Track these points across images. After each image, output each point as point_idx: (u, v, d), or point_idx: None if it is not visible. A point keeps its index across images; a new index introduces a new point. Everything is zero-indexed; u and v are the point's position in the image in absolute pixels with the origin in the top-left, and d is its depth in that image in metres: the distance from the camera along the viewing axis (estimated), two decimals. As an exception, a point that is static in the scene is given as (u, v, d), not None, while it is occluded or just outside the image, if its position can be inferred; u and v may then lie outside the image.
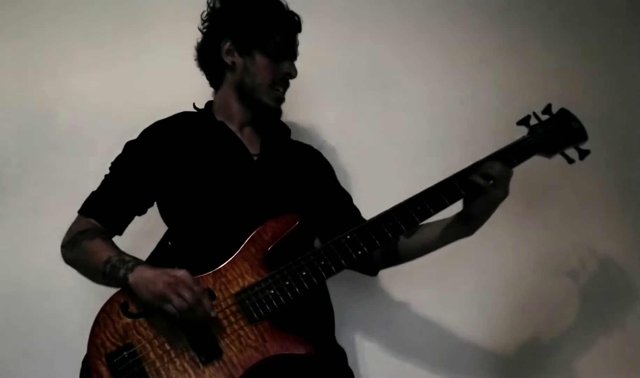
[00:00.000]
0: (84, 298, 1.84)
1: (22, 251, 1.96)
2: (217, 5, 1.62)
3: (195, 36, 1.67)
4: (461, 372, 1.95)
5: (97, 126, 2.02)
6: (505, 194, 1.43)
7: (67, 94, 2.04)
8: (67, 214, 1.55)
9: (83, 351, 1.31)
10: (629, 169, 2.08)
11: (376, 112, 2.08)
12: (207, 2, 1.64)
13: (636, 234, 2.02)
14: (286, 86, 1.63)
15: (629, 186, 2.07)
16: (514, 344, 1.95)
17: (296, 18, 1.63)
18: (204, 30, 1.65)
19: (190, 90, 1.70)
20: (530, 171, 1.52)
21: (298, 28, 1.64)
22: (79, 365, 1.34)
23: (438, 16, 2.13)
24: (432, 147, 2.04)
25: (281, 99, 1.62)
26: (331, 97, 2.06)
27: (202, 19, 1.65)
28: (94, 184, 1.57)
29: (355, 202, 1.71)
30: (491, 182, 1.41)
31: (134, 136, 1.60)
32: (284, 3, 1.63)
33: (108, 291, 1.40)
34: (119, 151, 1.59)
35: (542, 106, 1.57)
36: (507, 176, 1.42)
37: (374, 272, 1.66)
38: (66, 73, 2.04)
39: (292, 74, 1.61)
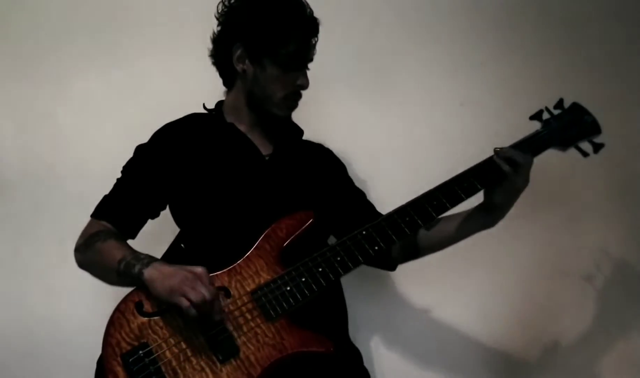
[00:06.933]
0: (85, 299, 1.85)
1: (22, 251, 1.94)
2: (234, 2, 1.54)
3: (196, 37, 1.63)
4: (467, 371, 1.94)
5: (98, 126, 2.00)
6: (526, 182, 1.42)
7: (67, 94, 2.02)
8: (67, 215, 1.55)
9: (83, 352, 1.30)
10: (632, 168, 2.06)
11: (376, 114, 2.06)
12: None
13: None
14: (299, 97, 1.57)
15: (633, 185, 2.05)
16: (531, 344, 1.95)
17: (315, 23, 1.54)
18: (219, 26, 1.58)
19: (193, 90, 1.69)
20: (533, 171, 1.50)
21: (315, 34, 1.56)
22: (80, 365, 1.32)
23: (438, 19, 2.11)
24: (431, 149, 2.03)
25: (292, 109, 1.58)
26: (332, 99, 2.05)
27: (217, 12, 1.57)
28: (94, 184, 1.55)
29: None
30: (512, 169, 1.40)
31: (135, 136, 1.59)
32: (306, 4, 1.53)
33: (110, 292, 1.39)
34: (119, 151, 1.57)
35: (542, 107, 1.55)
36: (530, 164, 1.42)
37: (392, 267, 1.65)
38: (67, 73, 2.02)
39: (304, 86, 1.55)
